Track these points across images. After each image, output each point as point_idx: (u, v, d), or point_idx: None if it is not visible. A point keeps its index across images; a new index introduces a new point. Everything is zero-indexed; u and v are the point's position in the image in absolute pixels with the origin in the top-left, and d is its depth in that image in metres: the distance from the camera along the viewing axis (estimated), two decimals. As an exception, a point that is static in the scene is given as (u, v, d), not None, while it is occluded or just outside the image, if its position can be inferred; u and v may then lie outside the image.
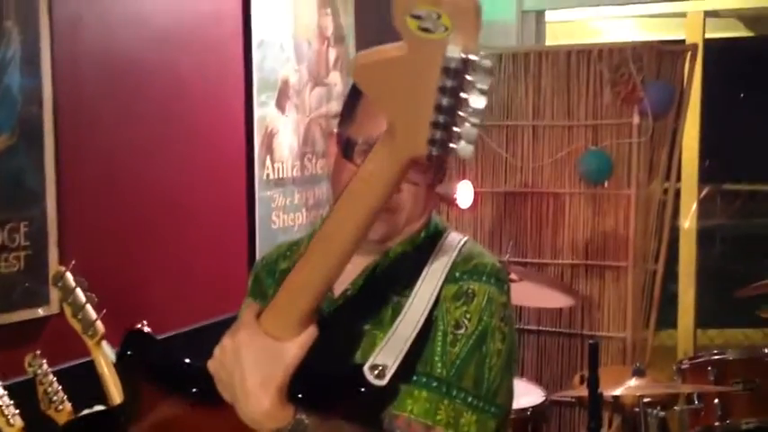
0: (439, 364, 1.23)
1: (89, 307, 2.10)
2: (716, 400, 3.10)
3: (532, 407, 2.98)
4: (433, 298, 1.26)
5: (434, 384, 1.22)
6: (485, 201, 4.04)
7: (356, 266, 1.32)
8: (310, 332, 1.13)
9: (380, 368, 1.17)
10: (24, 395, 2.03)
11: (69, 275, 2.11)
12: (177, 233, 2.78)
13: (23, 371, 2.07)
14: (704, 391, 3.11)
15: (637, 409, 3.02)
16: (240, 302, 1.44)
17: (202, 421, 1.23)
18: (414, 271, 1.30)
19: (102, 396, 2.09)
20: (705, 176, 4.69)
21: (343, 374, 1.21)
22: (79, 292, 2.11)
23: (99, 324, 2.10)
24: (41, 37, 2.26)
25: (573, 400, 3.52)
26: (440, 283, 1.28)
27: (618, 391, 2.93)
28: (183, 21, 2.80)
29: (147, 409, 1.30)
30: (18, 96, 2.21)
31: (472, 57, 0.90)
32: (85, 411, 2.08)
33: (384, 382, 1.17)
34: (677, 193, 4.28)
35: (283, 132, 3.24)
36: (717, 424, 3.11)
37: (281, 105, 3.22)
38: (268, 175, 3.17)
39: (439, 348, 1.24)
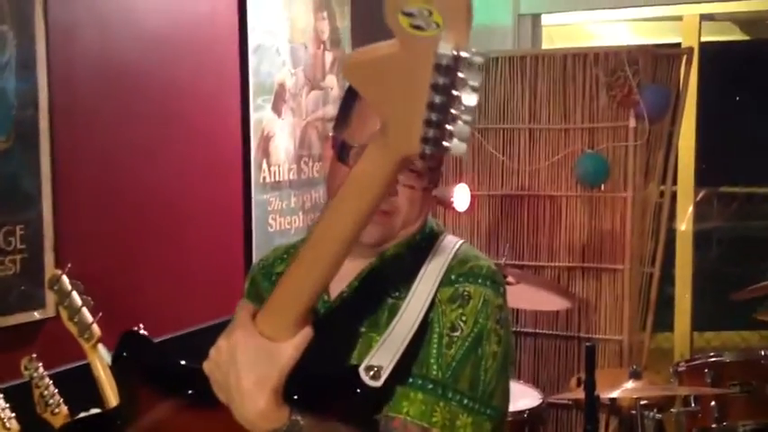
0: (435, 367, 1.23)
1: (85, 310, 2.10)
2: (713, 403, 3.11)
3: (529, 409, 2.98)
4: (429, 300, 1.26)
5: (430, 386, 1.22)
6: (481, 204, 4.04)
7: (352, 269, 1.32)
8: (306, 333, 1.12)
9: (376, 369, 1.17)
10: (20, 398, 2.02)
11: (65, 279, 2.10)
12: (173, 236, 2.78)
13: (19, 374, 2.06)
14: (701, 393, 3.12)
15: (633, 412, 3.02)
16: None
17: (198, 423, 1.23)
18: (410, 273, 1.30)
19: (98, 399, 2.08)
20: (701, 179, 4.69)
21: (338, 375, 1.21)
22: (75, 295, 2.10)
23: (95, 327, 2.10)
24: (37, 40, 2.26)
25: (570, 402, 3.52)
26: (435, 286, 1.28)
27: (615, 394, 2.93)
28: (179, 25, 2.80)
29: (144, 411, 1.29)
30: (14, 100, 2.21)
31: (464, 54, 0.89)
32: (82, 414, 2.07)
33: (379, 383, 1.17)
34: (674, 196, 4.28)
35: (280, 135, 3.24)
36: (713, 426, 3.11)
37: (277, 109, 3.22)
38: (264, 178, 3.16)
39: (434, 350, 1.24)
